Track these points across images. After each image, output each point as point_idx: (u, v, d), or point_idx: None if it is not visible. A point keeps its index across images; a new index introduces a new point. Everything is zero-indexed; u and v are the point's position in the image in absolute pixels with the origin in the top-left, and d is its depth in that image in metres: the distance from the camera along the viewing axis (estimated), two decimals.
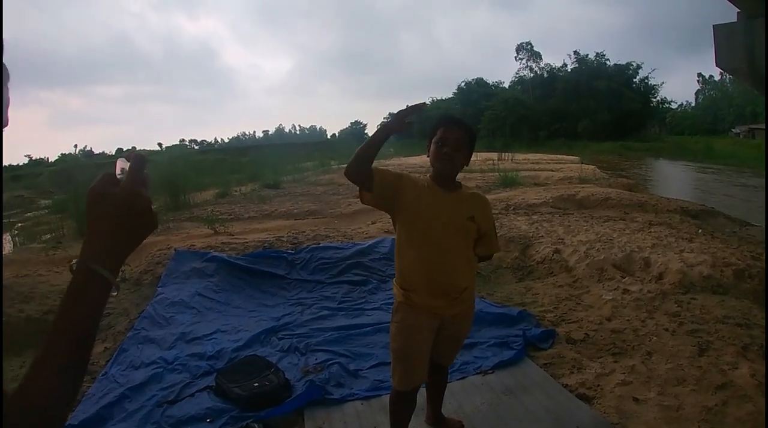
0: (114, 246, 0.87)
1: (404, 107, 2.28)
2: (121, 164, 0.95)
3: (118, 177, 0.92)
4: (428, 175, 2.57)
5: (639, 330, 4.35)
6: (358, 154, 2.31)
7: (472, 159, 2.55)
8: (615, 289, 5.32)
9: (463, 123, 2.53)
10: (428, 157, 2.51)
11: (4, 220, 13.47)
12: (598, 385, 3.52)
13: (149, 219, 0.94)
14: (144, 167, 0.95)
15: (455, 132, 2.45)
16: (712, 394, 3.32)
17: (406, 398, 2.60)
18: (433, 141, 2.46)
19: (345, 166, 2.38)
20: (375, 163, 2.35)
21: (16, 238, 11.31)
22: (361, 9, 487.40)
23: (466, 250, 2.51)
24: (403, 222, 2.47)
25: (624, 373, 3.65)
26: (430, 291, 2.44)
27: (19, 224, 14.21)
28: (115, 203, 0.87)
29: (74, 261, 0.83)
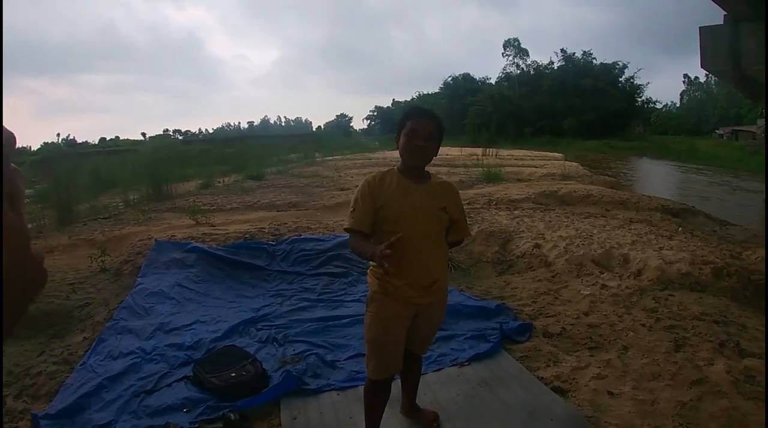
0: None
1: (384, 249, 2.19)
2: None
3: None
4: (396, 168, 2.57)
5: (616, 325, 4.39)
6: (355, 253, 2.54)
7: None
8: (593, 284, 5.37)
9: (433, 114, 2.53)
10: (398, 148, 2.51)
11: None
12: (574, 379, 3.55)
13: (25, 268, 0.40)
14: (8, 152, 0.34)
15: (426, 124, 2.45)
16: (687, 389, 3.34)
17: (381, 387, 2.63)
18: (402, 133, 2.46)
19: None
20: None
21: None
22: (349, 2, 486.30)
23: (440, 240, 2.53)
24: (380, 216, 2.45)
25: (599, 367, 3.67)
26: (406, 282, 2.44)
27: None
28: None
29: None
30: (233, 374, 3.50)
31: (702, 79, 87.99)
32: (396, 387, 2.89)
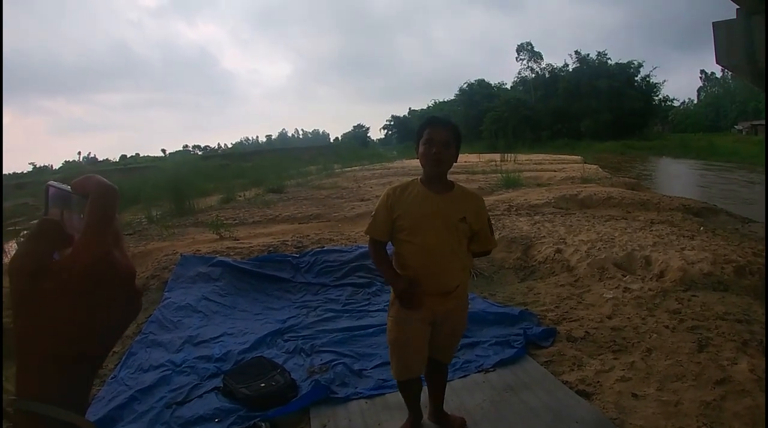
0: (75, 365, 0.49)
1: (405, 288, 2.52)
2: (57, 193, 0.51)
3: (51, 212, 0.51)
4: (419, 178, 2.64)
5: (639, 328, 4.39)
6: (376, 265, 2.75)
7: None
8: (616, 288, 5.36)
9: (449, 122, 2.62)
10: (417, 157, 2.59)
11: (9, 228, 13.53)
12: (598, 382, 3.57)
13: (130, 300, 0.55)
14: (115, 206, 0.53)
15: (442, 132, 2.53)
16: (711, 389, 3.35)
17: (408, 385, 2.78)
18: (420, 142, 2.55)
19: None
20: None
21: None
22: (358, 14, 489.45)
23: (458, 250, 2.58)
24: (398, 225, 2.56)
25: (623, 370, 3.69)
26: (423, 289, 2.53)
27: (24, 231, 14.28)
28: (68, 284, 0.47)
29: (12, 398, 0.46)
30: (263, 384, 3.57)
31: (719, 75, 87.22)
32: (424, 394, 2.96)
